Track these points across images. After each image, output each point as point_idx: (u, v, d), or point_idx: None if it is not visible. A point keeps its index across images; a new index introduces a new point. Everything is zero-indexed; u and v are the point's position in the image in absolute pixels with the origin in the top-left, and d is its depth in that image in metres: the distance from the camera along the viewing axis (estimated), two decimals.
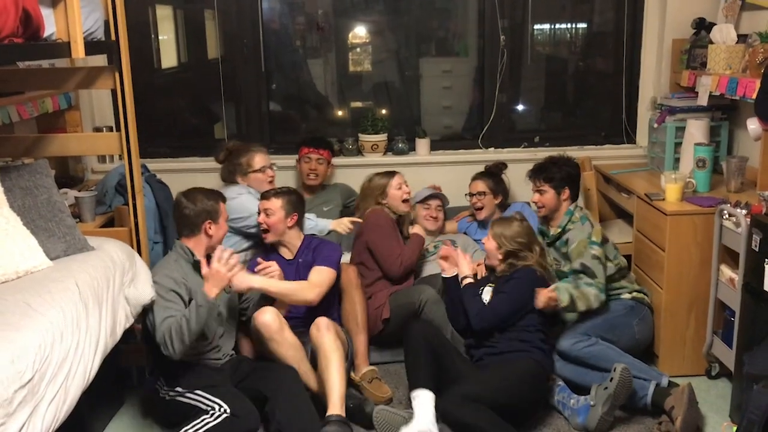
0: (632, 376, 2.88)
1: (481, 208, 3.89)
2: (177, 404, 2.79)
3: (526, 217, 3.40)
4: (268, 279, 3.07)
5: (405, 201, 3.74)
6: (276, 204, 3.29)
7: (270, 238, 3.34)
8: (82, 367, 2.40)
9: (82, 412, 2.54)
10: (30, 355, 2.10)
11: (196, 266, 2.98)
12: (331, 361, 2.89)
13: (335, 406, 2.81)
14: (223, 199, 3.11)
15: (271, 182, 3.67)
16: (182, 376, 2.84)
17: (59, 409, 2.22)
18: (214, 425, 2.62)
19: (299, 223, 3.38)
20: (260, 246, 3.54)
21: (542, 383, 3.01)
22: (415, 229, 3.71)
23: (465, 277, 3.20)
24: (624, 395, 2.86)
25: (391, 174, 3.78)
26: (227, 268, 2.82)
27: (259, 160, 3.67)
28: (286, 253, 3.38)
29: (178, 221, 3.05)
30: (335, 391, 2.83)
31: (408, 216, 3.79)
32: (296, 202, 3.36)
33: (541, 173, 3.38)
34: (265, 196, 3.37)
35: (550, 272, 3.28)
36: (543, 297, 3.06)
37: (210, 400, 2.72)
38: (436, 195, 3.98)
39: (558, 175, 3.34)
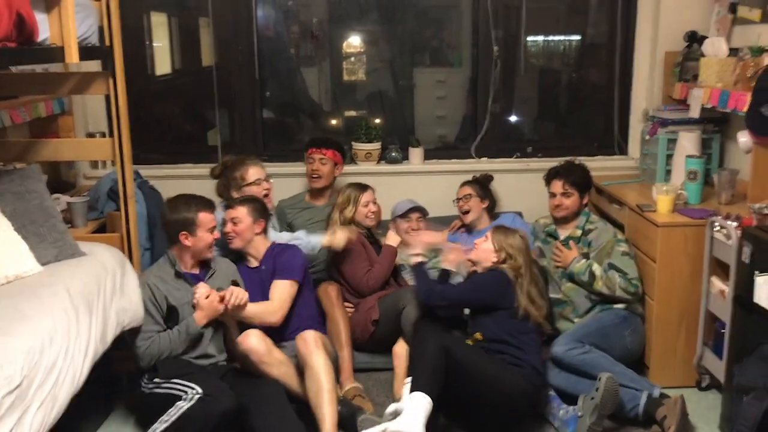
0: (619, 385, 2.87)
1: (467, 212, 3.88)
2: (156, 396, 2.80)
3: (519, 227, 3.42)
4: (222, 309, 2.98)
5: (369, 216, 3.70)
6: (242, 211, 3.25)
7: (237, 243, 3.28)
8: (71, 373, 2.39)
9: (71, 417, 2.51)
10: (19, 361, 2.10)
11: (178, 275, 2.99)
12: (322, 387, 2.82)
13: None
14: (208, 208, 3.06)
15: (266, 195, 3.57)
16: (161, 368, 2.86)
17: (47, 415, 2.21)
18: (189, 408, 2.62)
19: (265, 230, 3.35)
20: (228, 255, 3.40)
21: (527, 400, 2.94)
22: (389, 240, 3.63)
23: (417, 254, 3.18)
24: (611, 405, 2.85)
25: (363, 188, 3.71)
26: (218, 302, 2.93)
27: (253, 172, 3.58)
28: (252, 261, 3.32)
29: (163, 228, 3.10)
30: (327, 420, 2.78)
31: (384, 227, 3.82)
32: (261, 209, 3.33)
33: (568, 177, 3.42)
34: (229, 205, 3.32)
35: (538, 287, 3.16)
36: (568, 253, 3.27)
37: (183, 384, 2.72)
38: (416, 208, 3.96)
39: (582, 179, 3.41)
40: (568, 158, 3.79)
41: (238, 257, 3.34)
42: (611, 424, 3.00)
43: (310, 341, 2.94)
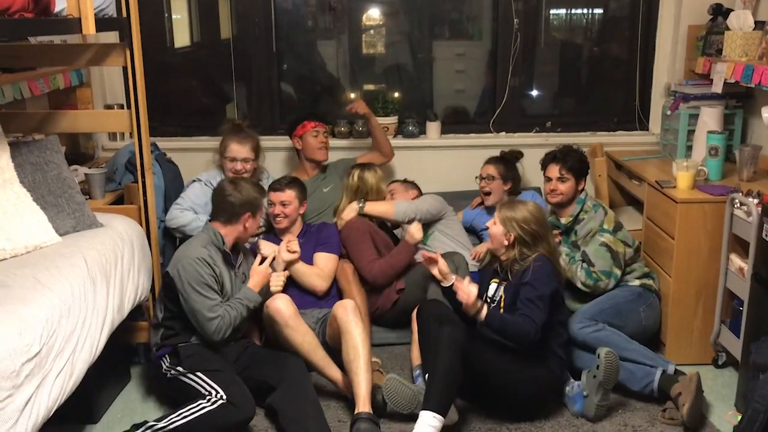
0: (618, 357, 2.85)
1: (488, 194, 3.84)
2: (179, 383, 2.80)
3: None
4: (292, 255, 3.31)
5: None
6: (291, 194, 3.42)
7: (284, 224, 3.43)
8: (88, 342, 2.43)
9: (89, 387, 2.56)
10: (37, 329, 2.13)
11: (223, 254, 2.96)
12: (359, 355, 2.85)
13: (365, 404, 2.78)
14: (265, 195, 3.19)
15: (236, 173, 3.54)
16: (186, 357, 2.84)
17: (66, 383, 2.26)
18: (210, 410, 2.61)
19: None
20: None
21: (551, 391, 2.93)
22: (408, 236, 3.47)
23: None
24: (614, 378, 2.84)
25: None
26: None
27: (232, 148, 3.59)
28: (289, 238, 3.42)
29: (217, 206, 3.02)
30: (363, 387, 2.80)
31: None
32: (305, 190, 3.53)
33: (565, 162, 3.36)
34: (276, 188, 3.42)
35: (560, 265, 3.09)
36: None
37: (209, 384, 2.71)
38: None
39: (578, 165, 3.36)
40: (585, 133, 3.70)
41: (273, 234, 3.51)
42: (625, 401, 3.01)
43: (350, 310, 2.97)
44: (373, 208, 3.61)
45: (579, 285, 3.21)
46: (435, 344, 2.76)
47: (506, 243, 2.93)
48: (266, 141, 4.23)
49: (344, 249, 3.56)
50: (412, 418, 2.71)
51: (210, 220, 3.06)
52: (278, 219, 3.42)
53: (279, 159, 4.27)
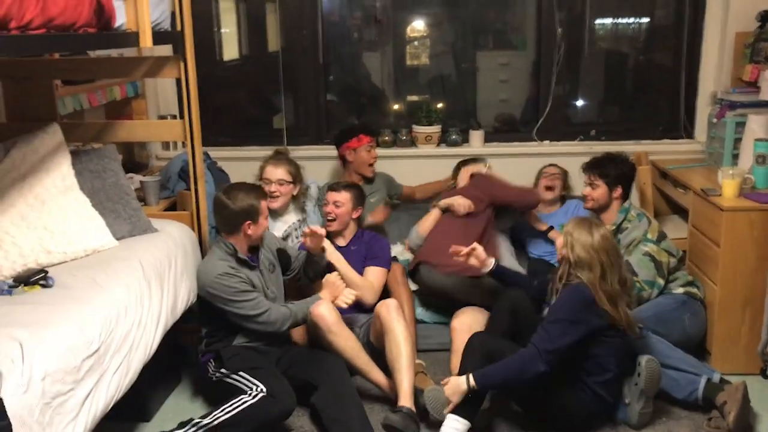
0: (660, 365, 2.83)
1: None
2: (223, 384, 2.87)
3: (582, 214, 3.39)
4: (339, 256, 3.36)
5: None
6: (345, 196, 3.48)
7: (334, 227, 3.48)
8: (144, 341, 2.53)
9: (143, 386, 2.65)
10: (97, 327, 2.24)
11: (241, 261, 2.99)
12: (401, 353, 2.90)
13: (406, 398, 2.83)
14: (264, 195, 3.11)
15: (271, 196, 3.52)
16: (229, 359, 2.90)
17: (122, 381, 2.36)
18: (251, 404, 2.67)
19: (360, 217, 3.58)
20: None
21: (585, 422, 2.86)
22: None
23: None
24: (655, 386, 2.82)
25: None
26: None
27: (267, 171, 3.58)
28: (340, 241, 3.52)
29: (217, 219, 3.05)
30: (405, 383, 2.85)
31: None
32: (361, 197, 3.57)
33: (596, 168, 3.40)
34: (334, 188, 3.51)
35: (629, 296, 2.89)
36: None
37: (250, 381, 2.77)
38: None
39: (613, 172, 3.38)
40: (630, 142, 3.64)
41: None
42: (669, 409, 2.98)
43: (392, 308, 3.02)
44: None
45: None
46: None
47: (559, 257, 2.90)
48: (313, 150, 4.35)
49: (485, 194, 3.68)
50: None
51: (217, 232, 3.12)
52: (329, 219, 3.48)
53: (325, 168, 4.34)
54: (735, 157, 3.72)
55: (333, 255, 3.34)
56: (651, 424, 2.90)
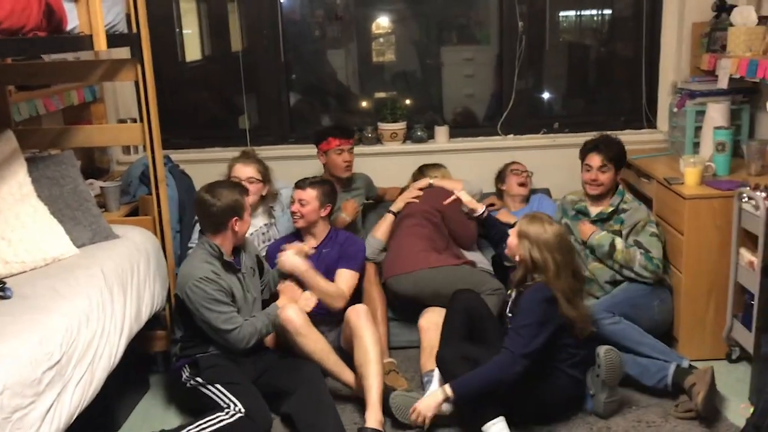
0: (618, 353, 2.85)
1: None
2: (198, 394, 2.84)
3: (545, 208, 3.41)
4: (310, 269, 3.23)
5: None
6: (310, 194, 3.34)
7: (300, 223, 3.39)
8: (107, 350, 2.49)
9: (109, 395, 2.62)
10: (57, 338, 2.19)
11: (226, 265, 2.96)
12: (370, 359, 2.87)
13: (373, 410, 2.79)
14: (245, 191, 3.08)
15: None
16: (205, 369, 2.86)
17: (86, 391, 2.31)
18: (229, 423, 2.64)
19: (330, 215, 3.47)
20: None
21: (563, 410, 2.91)
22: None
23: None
24: (616, 376, 2.85)
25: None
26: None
27: (236, 170, 3.53)
28: (311, 241, 3.43)
29: (202, 219, 2.99)
30: (373, 392, 2.82)
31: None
32: (330, 193, 3.42)
33: (608, 151, 3.38)
34: (300, 185, 3.39)
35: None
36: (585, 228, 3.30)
37: (227, 397, 2.74)
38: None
39: (619, 155, 3.43)
40: (603, 132, 3.61)
41: (297, 235, 3.49)
42: (639, 396, 3.02)
43: (362, 314, 3.00)
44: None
45: (637, 269, 3.22)
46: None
47: (516, 258, 2.89)
48: (277, 150, 4.30)
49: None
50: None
51: (201, 233, 3.05)
52: (294, 217, 3.39)
53: (291, 168, 4.27)
54: (696, 145, 3.76)
55: (306, 273, 3.23)
56: (620, 412, 2.93)
